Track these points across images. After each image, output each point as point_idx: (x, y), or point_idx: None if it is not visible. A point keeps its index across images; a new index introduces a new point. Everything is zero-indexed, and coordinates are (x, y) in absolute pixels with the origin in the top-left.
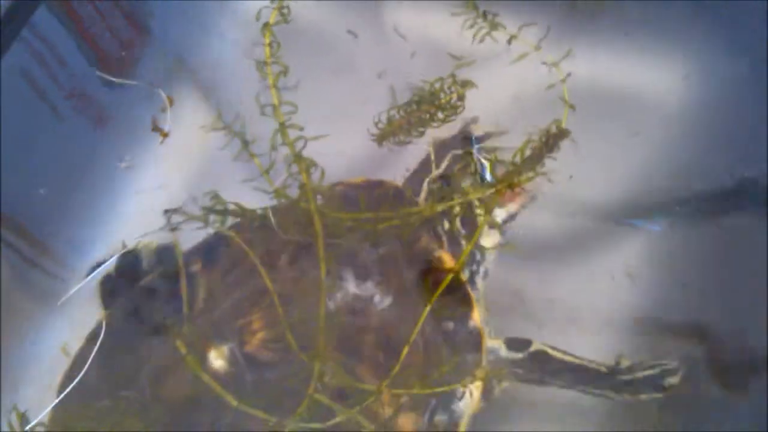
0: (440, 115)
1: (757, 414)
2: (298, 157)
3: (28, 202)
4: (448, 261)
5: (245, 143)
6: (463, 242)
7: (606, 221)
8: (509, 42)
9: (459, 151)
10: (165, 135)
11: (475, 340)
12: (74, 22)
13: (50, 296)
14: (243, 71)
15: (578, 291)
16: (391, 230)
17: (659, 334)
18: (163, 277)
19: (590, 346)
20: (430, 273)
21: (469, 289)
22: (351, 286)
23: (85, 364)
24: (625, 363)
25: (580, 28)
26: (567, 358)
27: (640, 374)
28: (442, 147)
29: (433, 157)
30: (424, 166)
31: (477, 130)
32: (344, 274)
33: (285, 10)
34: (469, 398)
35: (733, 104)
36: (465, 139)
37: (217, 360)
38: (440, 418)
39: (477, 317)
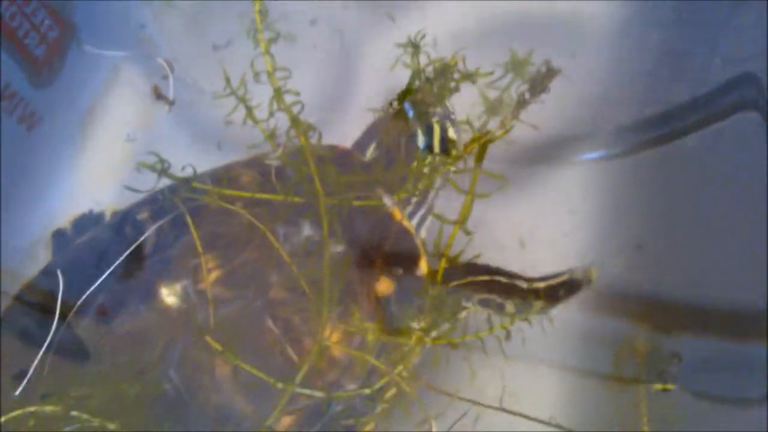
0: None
1: (758, 414)
2: (295, 121)
3: None
4: (398, 214)
5: (249, 109)
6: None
7: (547, 152)
8: None
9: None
10: (171, 102)
11: (421, 287)
12: None
13: None
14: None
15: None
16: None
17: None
18: (110, 228)
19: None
20: (380, 224)
21: (417, 240)
22: (306, 230)
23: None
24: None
25: None
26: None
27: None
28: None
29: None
30: (367, 136)
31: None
32: (301, 222)
33: None
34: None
35: (670, 20)
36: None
37: (169, 297)
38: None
39: (424, 266)
